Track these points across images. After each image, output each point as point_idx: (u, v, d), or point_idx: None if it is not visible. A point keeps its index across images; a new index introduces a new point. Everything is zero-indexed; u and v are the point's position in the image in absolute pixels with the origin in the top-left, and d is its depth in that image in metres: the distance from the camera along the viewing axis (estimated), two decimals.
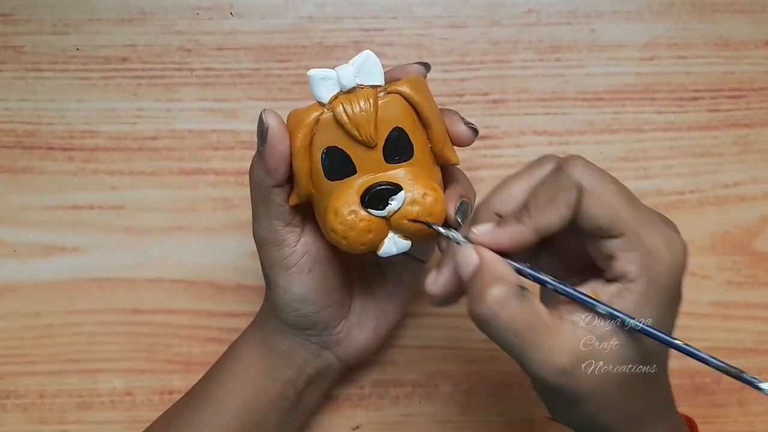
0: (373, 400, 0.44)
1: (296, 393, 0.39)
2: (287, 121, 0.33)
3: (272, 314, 0.38)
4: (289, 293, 0.35)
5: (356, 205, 0.31)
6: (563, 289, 0.29)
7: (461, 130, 0.34)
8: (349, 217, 0.31)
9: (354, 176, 0.32)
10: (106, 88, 0.45)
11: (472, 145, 0.45)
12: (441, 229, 0.32)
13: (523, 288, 0.29)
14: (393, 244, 0.33)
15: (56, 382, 0.44)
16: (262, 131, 0.32)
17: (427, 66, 0.34)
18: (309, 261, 0.35)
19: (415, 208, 0.32)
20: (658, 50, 0.46)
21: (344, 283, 0.38)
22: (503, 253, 0.30)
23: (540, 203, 0.29)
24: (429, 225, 0.32)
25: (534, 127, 0.45)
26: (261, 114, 0.32)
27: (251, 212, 0.35)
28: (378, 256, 0.33)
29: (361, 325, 0.39)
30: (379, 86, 0.32)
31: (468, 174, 0.36)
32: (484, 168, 0.44)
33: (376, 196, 0.31)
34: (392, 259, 0.40)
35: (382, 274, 0.40)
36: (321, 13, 0.45)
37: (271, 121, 0.32)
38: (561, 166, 0.29)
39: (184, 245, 0.45)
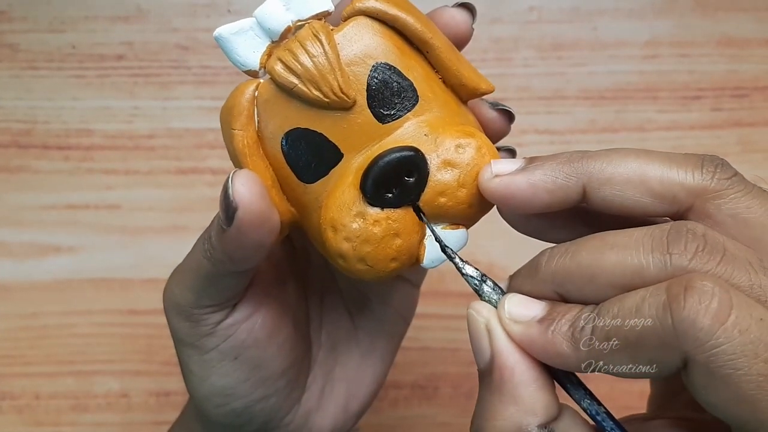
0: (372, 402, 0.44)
1: None
2: (220, 117, 0.23)
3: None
4: (206, 385, 0.25)
5: (359, 203, 0.21)
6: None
7: (489, 115, 0.24)
8: (355, 226, 0.21)
9: (341, 163, 0.21)
10: (102, 86, 0.45)
11: None
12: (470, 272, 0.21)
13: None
14: (437, 244, 0.21)
15: (51, 383, 0.43)
16: (228, 207, 0.21)
17: None
18: (234, 346, 0.25)
19: (449, 174, 0.21)
20: (660, 48, 0.45)
21: (293, 361, 0.27)
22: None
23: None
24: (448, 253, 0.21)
25: (535, 126, 0.45)
26: (228, 178, 0.21)
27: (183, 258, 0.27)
28: (424, 269, 0.22)
29: (323, 408, 0.28)
30: (328, 14, 0.22)
31: None
32: None
33: (382, 179, 0.20)
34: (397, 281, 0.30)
35: (353, 323, 0.29)
36: None
37: (243, 190, 0.20)
38: (673, 296, 0.17)
39: (181, 245, 0.44)
